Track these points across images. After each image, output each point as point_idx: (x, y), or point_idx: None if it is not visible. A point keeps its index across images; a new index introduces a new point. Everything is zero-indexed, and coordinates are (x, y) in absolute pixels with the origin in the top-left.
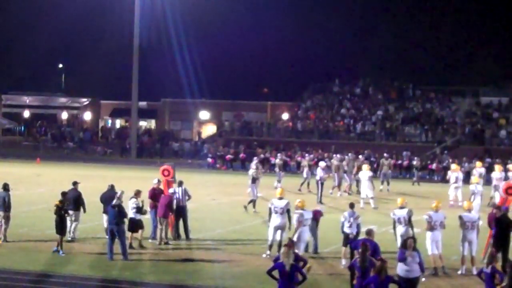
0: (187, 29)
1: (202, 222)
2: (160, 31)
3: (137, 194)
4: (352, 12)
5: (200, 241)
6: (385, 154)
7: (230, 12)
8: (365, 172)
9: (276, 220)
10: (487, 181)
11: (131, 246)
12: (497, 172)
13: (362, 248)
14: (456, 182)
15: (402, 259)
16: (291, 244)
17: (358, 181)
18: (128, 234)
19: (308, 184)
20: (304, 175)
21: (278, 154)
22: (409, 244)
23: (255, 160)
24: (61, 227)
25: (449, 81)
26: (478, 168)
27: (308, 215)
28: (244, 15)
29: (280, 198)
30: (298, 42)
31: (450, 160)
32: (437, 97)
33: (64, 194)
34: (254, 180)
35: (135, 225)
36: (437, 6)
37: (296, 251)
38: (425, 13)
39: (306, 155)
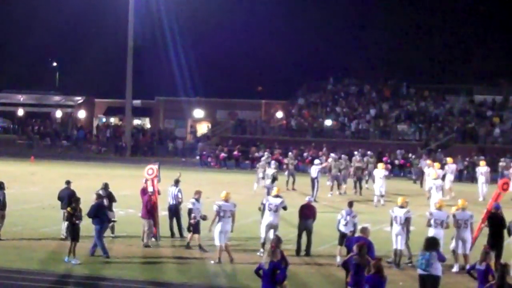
0: (181, 28)
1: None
2: (154, 29)
3: (197, 193)
4: (346, 10)
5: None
6: (368, 152)
7: (224, 11)
8: (380, 170)
9: (269, 218)
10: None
11: (188, 246)
12: (484, 167)
13: (360, 246)
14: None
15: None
16: (277, 243)
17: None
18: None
19: (291, 182)
20: (285, 173)
21: (265, 153)
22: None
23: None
24: (73, 234)
25: (443, 80)
26: (450, 164)
27: (228, 208)
28: (238, 13)
29: (276, 196)
30: (292, 40)
31: (447, 159)
32: (431, 96)
33: (76, 200)
34: (274, 180)
35: (194, 226)
36: (431, 4)
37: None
38: (419, 12)
39: (290, 153)
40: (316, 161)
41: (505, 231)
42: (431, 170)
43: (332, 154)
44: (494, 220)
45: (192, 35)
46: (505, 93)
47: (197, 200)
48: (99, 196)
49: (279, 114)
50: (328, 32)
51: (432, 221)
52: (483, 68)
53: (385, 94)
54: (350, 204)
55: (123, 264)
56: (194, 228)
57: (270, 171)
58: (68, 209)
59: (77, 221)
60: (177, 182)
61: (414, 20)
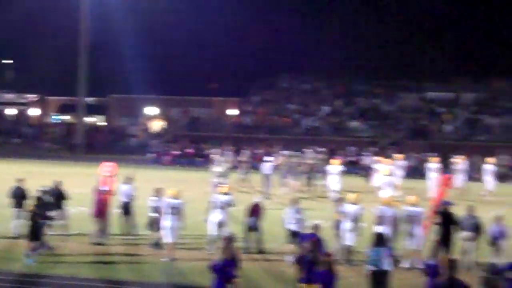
0: (134, 25)
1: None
2: (107, 27)
3: (158, 191)
4: (301, 7)
5: (146, 236)
6: (319, 149)
7: (177, 8)
8: (336, 166)
9: (218, 215)
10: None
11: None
12: (435, 164)
13: (313, 242)
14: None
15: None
16: (230, 241)
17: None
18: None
19: (245, 180)
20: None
21: (212, 150)
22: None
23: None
24: (35, 233)
25: (395, 77)
26: (400, 161)
27: (175, 205)
28: (191, 10)
29: (225, 193)
30: (246, 37)
31: (397, 155)
32: (383, 93)
33: (38, 199)
34: (224, 177)
35: (158, 224)
36: (383, 2)
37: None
38: (371, 9)
39: (244, 151)
40: (269, 158)
41: (456, 228)
42: (382, 166)
43: (283, 152)
44: (445, 216)
45: (146, 32)
46: (456, 90)
47: (159, 198)
48: (41, 193)
49: (233, 112)
50: (282, 30)
51: (380, 218)
52: (434, 66)
53: (338, 91)
54: (295, 202)
55: (76, 262)
56: (158, 225)
57: (220, 168)
58: (31, 207)
59: (40, 220)
60: (130, 180)
61: (367, 17)
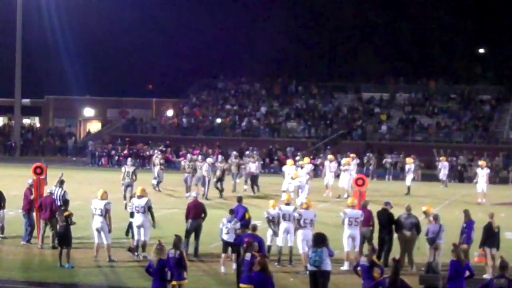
0: (71, 25)
1: (86, 220)
2: (43, 27)
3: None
4: (236, 9)
5: (83, 239)
6: (235, 153)
7: (114, 9)
8: (290, 167)
9: (138, 219)
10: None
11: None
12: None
13: (248, 244)
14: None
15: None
16: (178, 242)
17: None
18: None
19: (158, 183)
20: (155, 174)
21: (156, 151)
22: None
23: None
24: None
25: (331, 77)
26: (331, 161)
27: (100, 205)
28: (127, 11)
29: (140, 197)
30: (183, 38)
31: (329, 156)
32: (319, 93)
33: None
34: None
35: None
36: (319, 3)
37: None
38: (306, 10)
39: (158, 152)
40: (209, 160)
41: (394, 227)
42: (291, 169)
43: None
44: (384, 216)
45: (82, 33)
46: (392, 90)
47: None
48: None
49: (170, 113)
50: (218, 31)
51: (301, 221)
52: (370, 66)
53: (275, 92)
54: (231, 212)
55: (12, 265)
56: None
57: (131, 168)
58: None
59: None
60: (61, 183)
61: (302, 18)
